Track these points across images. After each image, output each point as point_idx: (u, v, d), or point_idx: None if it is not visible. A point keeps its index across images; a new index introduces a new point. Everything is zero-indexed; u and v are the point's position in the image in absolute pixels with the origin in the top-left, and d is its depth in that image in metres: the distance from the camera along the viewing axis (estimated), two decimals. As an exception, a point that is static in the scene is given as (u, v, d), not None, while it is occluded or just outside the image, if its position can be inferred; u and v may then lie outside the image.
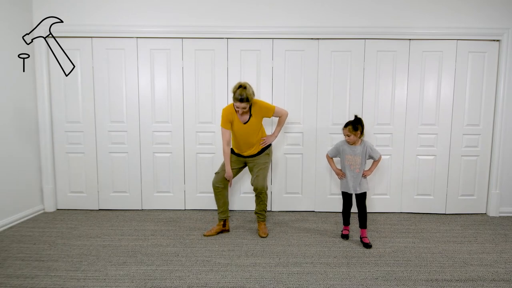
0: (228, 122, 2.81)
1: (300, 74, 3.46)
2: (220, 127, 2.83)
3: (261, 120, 2.90)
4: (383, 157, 3.51)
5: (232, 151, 2.98)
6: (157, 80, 3.48)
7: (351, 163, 2.74)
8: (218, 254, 2.56)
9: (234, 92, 2.67)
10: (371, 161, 2.85)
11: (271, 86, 3.46)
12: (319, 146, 3.51)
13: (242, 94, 2.62)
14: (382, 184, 3.57)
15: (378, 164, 2.86)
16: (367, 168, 2.83)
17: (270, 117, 2.95)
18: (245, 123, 2.81)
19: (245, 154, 2.92)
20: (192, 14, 3.39)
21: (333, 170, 2.89)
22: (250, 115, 2.81)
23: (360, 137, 2.72)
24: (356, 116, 2.70)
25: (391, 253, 2.60)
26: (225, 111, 2.82)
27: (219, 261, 2.43)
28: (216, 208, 3.08)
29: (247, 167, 3.07)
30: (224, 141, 2.82)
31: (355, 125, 2.65)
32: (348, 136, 2.68)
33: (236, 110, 2.75)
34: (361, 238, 2.79)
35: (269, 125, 3.44)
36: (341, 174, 2.83)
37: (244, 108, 2.68)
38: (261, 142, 2.91)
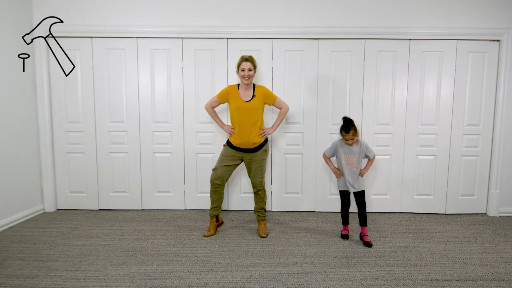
0: (224, 96, 2.93)
1: (300, 74, 3.46)
2: (214, 96, 3.00)
3: (263, 105, 2.92)
4: (383, 157, 3.52)
5: (229, 143, 2.96)
6: (157, 80, 3.49)
7: (348, 162, 2.76)
8: (218, 254, 2.56)
9: (239, 61, 2.82)
10: (365, 160, 2.88)
11: (271, 86, 3.46)
12: (319, 146, 3.51)
13: (247, 56, 2.81)
14: (382, 184, 3.57)
15: (373, 163, 2.91)
16: (362, 167, 2.85)
17: (271, 105, 2.99)
18: (247, 101, 2.83)
19: (244, 141, 2.85)
20: (192, 14, 3.39)
21: (331, 169, 2.90)
22: (253, 96, 2.84)
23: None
24: (346, 118, 2.72)
25: (391, 253, 2.60)
26: (228, 87, 2.95)
27: (219, 261, 2.43)
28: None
29: (242, 164, 3.07)
30: (207, 103, 3.01)
31: (354, 126, 2.68)
32: (352, 139, 2.69)
33: (241, 76, 2.79)
34: (361, 236, 2.79)
35: (269, 122, 3.44)
36: (338, 173, 2.83)
37: (250, 69, 2.77)
38: (260, 133, 2.90)
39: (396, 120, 3.49)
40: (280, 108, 3.01)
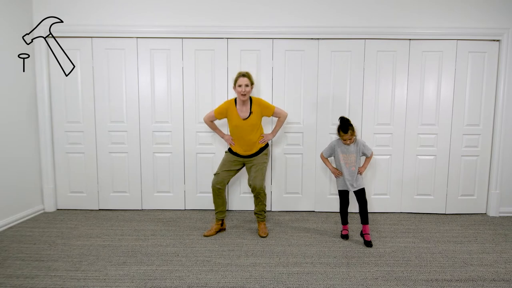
0: (222, 113, 2.93)
1: (300, 74, 3.46)
2: (213, 110, 3.00)
3: (261, 118, 2.94)
4: (383, 157, 3.52)
5: (230, 151, 3.00)
6: (157, 80, 3.48)
7: (347, 162, 2.76)
8: (218, 254, 2.56)
9: (236, 77, 2.82)
10: (363, 158, 2.89)
11: (271, 86, 3.46)
12: (319, 146, 3.51)
13: (244, 72, 2.82)
14: (382, 184, 3.57)
15: (371, 161, 2.92)
16: (360, 165, 2.86)
17: (269, 116, 3.00)
18: (244, 119, 2.84)
19: (245, 153, 2.93)
20: (192, 14, 3.39)
21: (329, 169, 2.90)
22: (251, 112, 2.85)
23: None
24: (343, 118, 2.73)
25: (391, 253, 2.60)
26: (226, 102, 2.94)
27: (219, 261, 2.43)
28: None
29: (244, 168, 3.09)
30: (206, 117, 3.03)
31: (352, 125, 2.68)
32: (350, 139, 2.70)
33: (239, 92, 2.78)
34: (363, 234, 2.78)
35: (268, 124, 3.44)
36: (337, 172, 2.84)
37: (247, 85, 2.77)
38: (260, 140, 2.93)
39: (396, 120, 3.49)
40: (278, 117, 3.02)
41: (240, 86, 2.77)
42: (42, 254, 2.53)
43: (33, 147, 3.43)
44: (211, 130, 3.51)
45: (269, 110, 2.94)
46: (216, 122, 3.13)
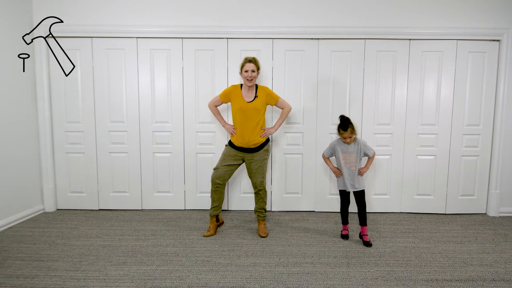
0: (227, 96, 2.93)
1: (300, 74, 3.46)
2: (218, 95, 3.00)
3: (265, 106, 2.92)
4: (383, 157, 3.52)
5: (231, 144, 2.98)
6: (157, 80, 3.49)
7: (347, 161, 2.76)
8: (218, 254, 2.56)
9: (243, 63, 2.81)
10: (365, 158, 2.87)
11: (271, 86, 3.46)
12: (319, 146, 3.51)
13: (251, 58, 2.82)
14: (382, 184, 3.57)
15: (373, 161, 2.90)
16: (362, 165, 2.85)
17: (273, 105, 2.99)
18: (249, 102, 2.84)
19: (245, 141, 2.86)
20: (192, 14, 3.39)
21: (330, 168, 2.91)
22: (256, 96, 2.85)
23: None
24: (343, 116, 2.73)
25: (391, 253, 2.60)
26: (231, 86, 2.94)
27: (219, 261, 2.44)
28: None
29: (243, 165, 3.08)
30: (211, 102, 3.02)
31: (352, 124, 2.68)
32: (350, 137, 2.70)
33: (245, 77, 2.79)
34: (361, 235, 2.80)
35: (270, 123, 3.44)
36: (338, 172, 2.84)
37: (253, 71, 2.77)
38: (262, 133, 2.91)
39: (396, 120, 3.49)
40: (282, 108, 3.02)
41: (246, 71, 2.77)
42: (42, 254, 2.54)
43: (33, 147, 3.43)
44: (211, 130, 3.52)
45: (273, 99, 2.94)
46: (220, 108, 3.13)
